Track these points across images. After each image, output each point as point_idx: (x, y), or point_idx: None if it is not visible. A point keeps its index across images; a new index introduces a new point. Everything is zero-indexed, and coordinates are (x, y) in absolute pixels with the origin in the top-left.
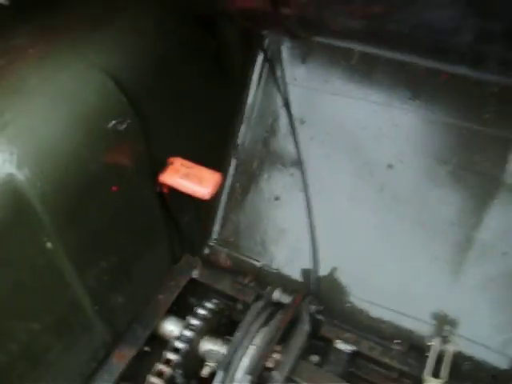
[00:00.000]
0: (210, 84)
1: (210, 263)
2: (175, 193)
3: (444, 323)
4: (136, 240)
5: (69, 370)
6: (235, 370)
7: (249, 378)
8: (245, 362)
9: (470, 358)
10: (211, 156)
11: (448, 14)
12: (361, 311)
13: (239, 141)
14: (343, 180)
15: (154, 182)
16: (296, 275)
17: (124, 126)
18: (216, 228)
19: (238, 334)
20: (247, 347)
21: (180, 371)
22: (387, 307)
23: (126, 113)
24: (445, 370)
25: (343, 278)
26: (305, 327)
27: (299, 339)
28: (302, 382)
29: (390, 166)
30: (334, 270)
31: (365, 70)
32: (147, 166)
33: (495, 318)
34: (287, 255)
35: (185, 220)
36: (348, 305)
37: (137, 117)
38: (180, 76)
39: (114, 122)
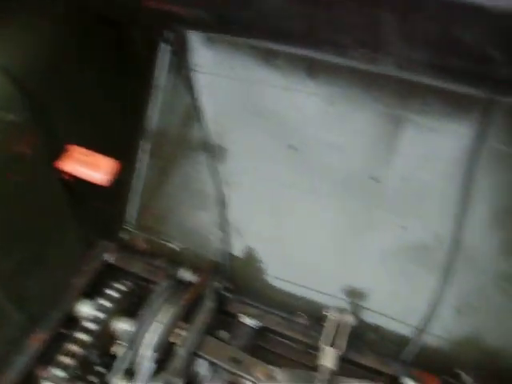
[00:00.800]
0: (113, 75)
1: (126, 247)
2: (82, 180)
3: (348, 296)
4: (45, 227)
5: None
6: (140, 346)
7: (153, 353)
8: (149, 338)
9: (373, 328)
10: (120, 144)
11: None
12: (270, 287)
13: (149, 128)
14: (251, 163)
15: (55, 170)
16: (208, 256)
17: (19, 118)
18: (131, 213)
19: (143, 312)
20: (151, 324)
21: (93, 350)
22: (294, 282)
23: (21, 105)
24: (340, 340)
25: (254, 256)
26: (208, 304)
27: (204, 315)
28: (207, 356)
29: (291, 147)
30: (245, 249)
31: (266, 54)
32: (46, 154)
33: (396, 289)
34: (201, 237)
35: (96, 206)
36: (258, 282)
37: (33, 109)
38: (79, 68)
39: (8, 114)
